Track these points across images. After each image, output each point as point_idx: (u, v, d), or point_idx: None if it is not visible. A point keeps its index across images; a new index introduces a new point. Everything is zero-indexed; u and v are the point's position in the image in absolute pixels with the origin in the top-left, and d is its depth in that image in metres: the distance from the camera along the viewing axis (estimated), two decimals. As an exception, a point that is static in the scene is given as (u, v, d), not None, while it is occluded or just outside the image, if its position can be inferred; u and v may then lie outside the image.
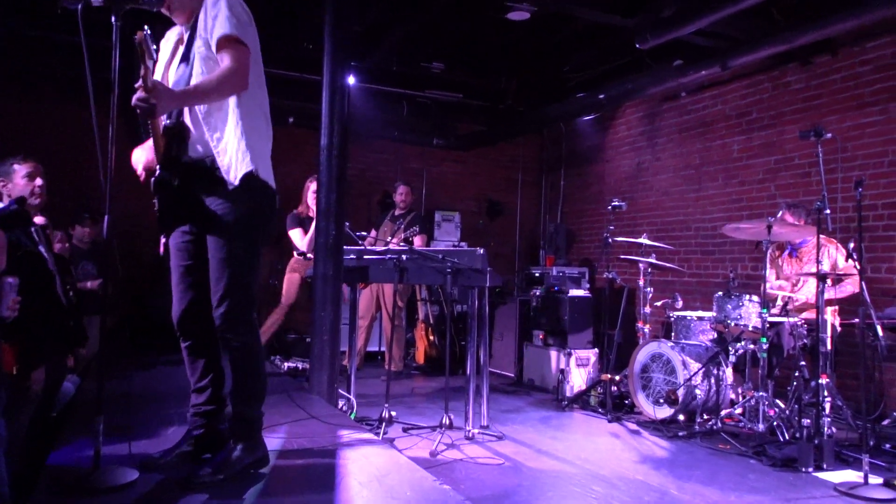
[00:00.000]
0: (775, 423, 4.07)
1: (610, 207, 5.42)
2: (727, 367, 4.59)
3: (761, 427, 4.11)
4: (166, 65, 2.57)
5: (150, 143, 2.50)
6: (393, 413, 4.14)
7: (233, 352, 2.45)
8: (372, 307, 6.37)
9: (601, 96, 6.74)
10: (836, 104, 5.52)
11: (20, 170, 3.33)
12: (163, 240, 2.51)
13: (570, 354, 5.78)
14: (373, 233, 6.30)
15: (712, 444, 4.11)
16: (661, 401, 4.63)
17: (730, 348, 4.55)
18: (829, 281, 4.09)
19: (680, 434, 4.31)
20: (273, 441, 2.91)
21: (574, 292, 6.21)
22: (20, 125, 6.35)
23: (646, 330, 5.19)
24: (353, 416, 4.19)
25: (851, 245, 3.96)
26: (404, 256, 4.16)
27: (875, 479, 3.29)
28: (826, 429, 3.73)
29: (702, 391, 4.51)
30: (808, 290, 4.77)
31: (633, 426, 4.61)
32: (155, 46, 2.33)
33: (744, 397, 4.44)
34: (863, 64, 5.34)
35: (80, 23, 2.17)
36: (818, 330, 3.91)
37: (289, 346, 6.87)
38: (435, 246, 7.47)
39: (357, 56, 6.47)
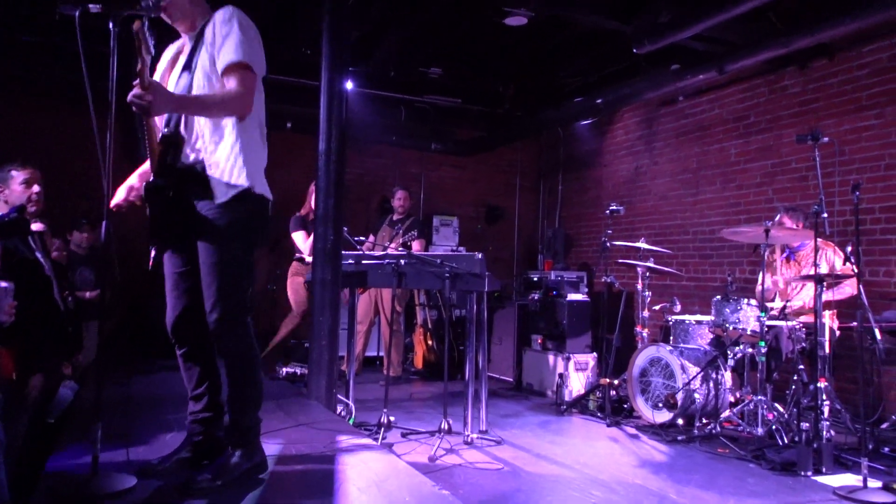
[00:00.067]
0: (774, 427, 4.07)
1: (608, 212, 5.42)
2: (726, 370, 4.59)
3: (760, 431, 4.10)
4: (164, 72, 2.57)
5: (143, 168, 2.52)
6: (391, 418, 4.14)
7: (227, 358, 2.44)
8: (370, 312, 6.37)
9: (598, 101, 6.76)
10: (833, 108, 5.54)
11: (18, 176, 3.33)
12: (153, 252, 2.50)
13: (568, 359, 5.78)
14: (371, 238, 6.30)
15: (711, 448, 4.11)
16: (660, 405, 4.62)
17: (728, 352, 4.55)
18: (825, 284, 4.09)
19: (679, 438, 4.31)
20: (271, 446, 2.90)
21: (572, 296, 6.21)
22: (18, 130, 6.35)
23: (644, 334, 5.18)
24: (351, 422, 4.18)
25: (849, 248, 3.97)
26: (403, 261, 4.16)
27: (874, 483, 3.28)
28: (825, 432, 3.72)
29: (701, 395, 4.50)
30: (806, 294, 4.77)
31: (632, 430, 4.60)
32: (153, 41, 2.32)
33: (742, 401, 4.44)
34: (860, 68, 5.36)
35: (78, 29, 2.17)
36: (816, 333, 3.91)
37: (287, 351, 6.85)
38: (433, 250, 7.47)
39: (355, 61, 6.47)
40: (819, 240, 3.86)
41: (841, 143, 5.26)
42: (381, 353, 6.98)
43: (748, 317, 4.41)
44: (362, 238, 4.95)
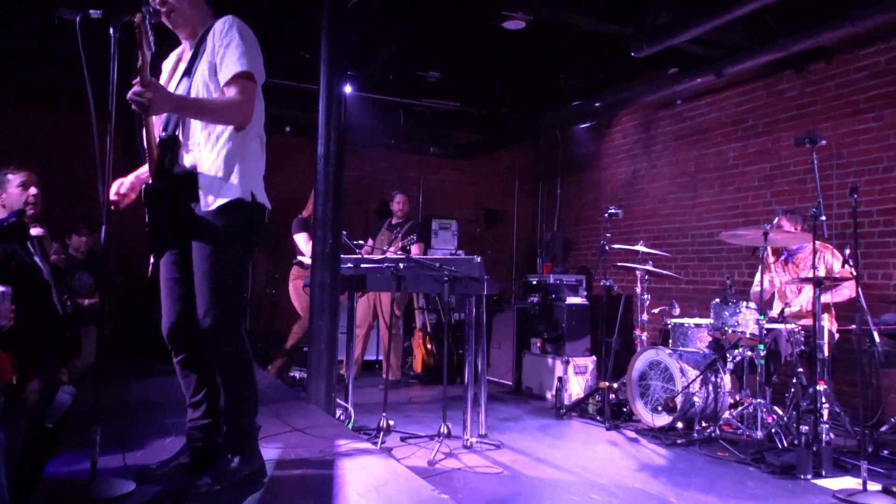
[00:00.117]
0: (774, 430, 4.07)
1: (606, 215, 5.42)
2: (725, 374, 4.58)
3: (760, 434, 4.10)
4: (166, 80, 2.57)
5: (141, 170, 2.52)
6: (391, 422, 4.13)
7: (220, 364, 2.44)
8: (369, 316, 6.36)
9: (597, 104, 6.77)
10: (831, 111, 5.55)
11: (14, 179, 3.32)
12: (152, 260, 2.49)
13: (567, 362, 5.78)
14: (370, 241, 6.30)
15: (711, 451, 4.11)
16: (660, 408, 4.62)
17: (727, 355, 4.55)
18: (822, 286, 4.09)
19: (678, 442, 4.30)
20: (270, 451, 2.90)
21: (571, 300, 6.21)
22: (17, 131, 6.35)
23: (643, 337, 5.18)
24: (350, 426, 4.17)
25: (847, 251, 3.98)
26: (401, 265, 4.16)
27: (874, 486, 3.28)
28: (824, 435, 3.73)
29: (700, 398, 4.50)
30: (804, 297, 4.77)
31: (632, 434, 4.60)
32: (154, 37, 2.32)
33: (742, 404, 4.44)
34: (857, 71, 5.38)
35: (79, 34, 2.17)
36: (815, 336, 3.91)
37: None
38: (432, 254, 7.47)
39: (353, 65, 6.48)
40: (817, 242, 3.86)
41: (839, 146, 5.26)
42: (380, 357, 6.98)
43: (747, 320, 4.41)
44: (361, 242, 4.94)
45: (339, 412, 4.30)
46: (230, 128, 2.41)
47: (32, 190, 3.37)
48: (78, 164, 6.19)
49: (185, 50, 2.59)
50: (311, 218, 5.79)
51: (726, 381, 4.60)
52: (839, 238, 5.05)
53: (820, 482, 3.52)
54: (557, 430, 4.79)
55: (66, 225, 5.54)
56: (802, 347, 4.41)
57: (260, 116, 2.54)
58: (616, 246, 5.54)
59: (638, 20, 5.25)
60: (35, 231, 3.42)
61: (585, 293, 7.14)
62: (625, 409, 4.99)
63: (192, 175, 2.40)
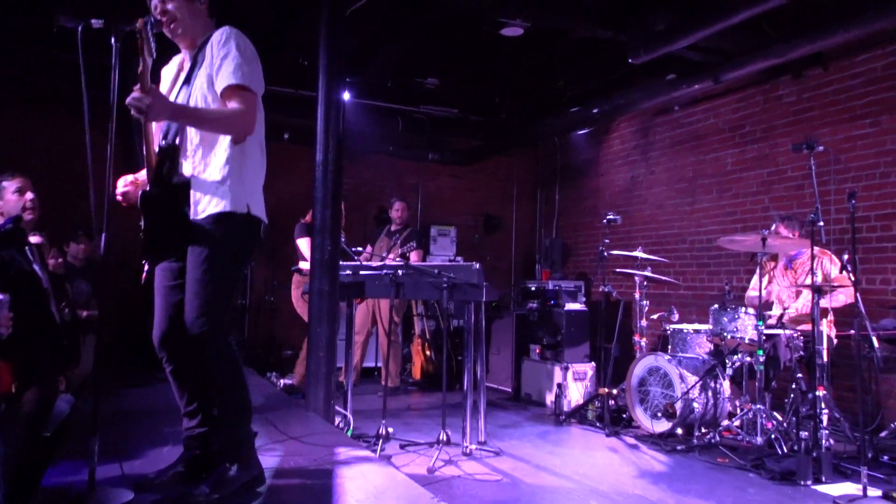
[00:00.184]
0: (773, 436, 4.06)
1: (605, 221, 5.43)
2: (724, 379, 4.58)
3: (759, 440, 4.10)
4: (168, 89, 2.58)
5: (143, 173, 2.52)
6: (390, 429, 4.12)
7: (208, 373, 2.43)
8: (368, 323, 6.35)
9: (594, 110, 6.79)
10: (828, 117, 5.57)
11: (10, 186, 3.33)
12: (146, 267, 2.50)
13: (567, 368, 5.77)
14: (368, 248, 6.30)
15: (711, 457, 4.10)
16: (659, 414, 4.61)
17: (727, 361, 4.55)
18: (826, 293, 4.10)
19: (678, 448, 4.29)
20: (269, 459, 2.89)
21: (570, 306, 6.20)
22: (16, 141, 6.35)
23: (642, 343, 5.18)
24: (349, 433, 4.16)
25: (846, 257, 3.98)
26: (400, 272, 4.16)
27: (874, 492, 3.28)
28: (824, 441, 3.72)
29: (699, 404, 4.50)
30: (800, 302, 4.78)
31: (631, 440, 4.59)
32: (155, 44, 2.32)
33: (741, 410, 4.43)
34: (853, 77, 5.40)
35: (80, 44, 2.17)
36: (814, 342, 3.91)
37: (284, 362, 6.84)
38: (431, 261, 7.47)
39: (352, 72, 6.49)
40: (816, 248, 3.86)
41: (836, 151, 5.28)
42: (379, 364, 6.97)
43: (746, 325, 4.41)
44: (360, 248, 4.95)
45: (338, 419, 4.30)
46: (228, 138, 2.41)
47: (29, 195, 3.37)
48: (78, 166, 6.17)
49: (185, 59, 2.59)
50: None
51: (725, 386, 4.60)
52: (837, 243, 5.06)
53: (820, 488, 3.51)
54: (557, 436, 4.78)
55: (66, 230, 5.53)
56: (801, 353, 4.41)
57: (260, 128, 2.55)
58: (615, 252, 5.54)
59: (635, 27, 5.27)
60: (34, 239, 3.42)
61: (584, 299, 7.14)
62: (624, 416, 4.98)
63: (188, 184, 2.40)
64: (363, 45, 6.10)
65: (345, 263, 4.44)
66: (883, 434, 4.26)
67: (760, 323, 4.21)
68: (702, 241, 6.64)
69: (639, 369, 4.89)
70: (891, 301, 5.00)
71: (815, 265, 3.99)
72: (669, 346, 5.10)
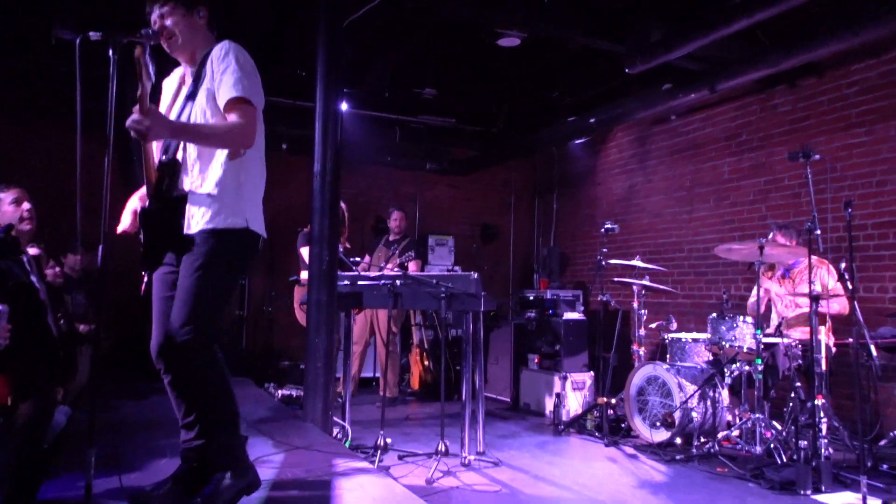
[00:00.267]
0: (772, 445, 4.05)
1: (603, 230, 5.44)
2: (723, 388, 4.57)
3: (759, 449, 4.09)
4: (168, 104, 2.59)
5: (142, 192, 2.53)
6: (388, 440, 4.11)
7: (191, 381, 2.41)
8: (366, 333, 6.34)
9: (591, 120, 6.82)
10: (824, 125, 5.60)
11: (6, 197, 3.33)
12: (145, 278, 2.50)
13: (565, 378, 5.76)
14: (367, 258, 6.30)
15: (710, 467, 4.09)
16: (658, 424, 4.60)
17: (725, 370, 4.54)
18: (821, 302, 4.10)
19: (677, 458, 4.28)
20: (267, 471, 2.88)
21: (568, 315, 6.20)
22: (14, 152, 6.35)
23: (641, 352, 5.18)
24: (347, 444, 4.14)
25: (843, 265, 3.98)
26: (398, 282, 4.15)
27: (874, 501, 3.27)
28: (823, 450, 3.71)
29: (698, 413, 4.49)
30: (797, 309, 4.79)
31: (630, 450, 4.57)
32: (154, 67, 2.34)
33: (740, 419, 4.43)
34: (848, 86, 5.42)
35: (77, 56, 2.18)
36: (813, 350, 3.91)
37: (282, 373, 6.81)
38: (429, 270, 7.46)
39: (349, 83, 6.52)
40: (813, 258, 3.87)
41: (832, 160, 5.30)
42: (377, 374, 6.95)
43: (744, 334, 4.41)
44: (358, 259, 4.94)
45: (336, 430, 4.28)
46: (225, 153, 2.42)
47: (25, 205, 3.37)
48: (75, 188, 6.18)
49: (186, 74, 2.61)
50: None
51: (724, 396, 4.59)
52: (834, 252, 5.07)
53: (820, 497, 3.50)
54: (556, 446, 4.77)
55: (63, 241, 5.53)
56: (800, 361, 4.41)
57: (261, 141, 2.55)
58: (613, 261, 5.55)
59: (632, 37, 5.29)
60: (32, 251, 3.41)
61: (582, 308, 7.13)
62: (623, 425, 4.97)
63: (187, 199, 2.41)
64: (361, 55, 6.13)
65: (343, 273, 4.44)
66: (882, 443, 4.25)
67: (759, 332, 4.21)
68: (699, 250, 6.65)
69: (637, 378, 4.88)
70: (888, 309, 5.00)
71: (812, 275, 3.99)
72: (668, 355, 5.09)
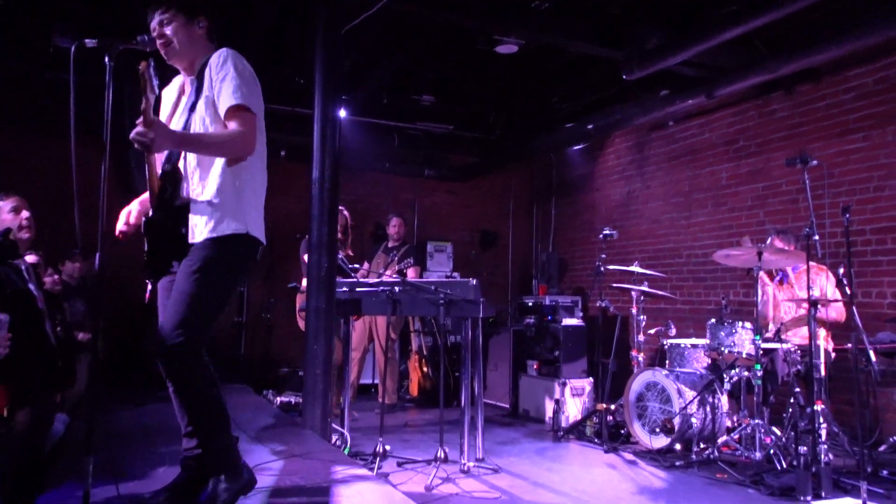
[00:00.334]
0: (772, 451, 4.05)
1: (601, 236, 5.44)
2: (722, 394, 4.57)
3: (758, 455, 4.08)
4: (169, 113, 2.60)
5: (143, 197, 2.53)
6: (387, 447, 4.10)
7: (178, 386, 2.40)
8: (365, 339, 6.33)
9: (589, 126, 6.83)
10: (821, 131, 5.61)
11: (5, 205, 3.34)
12: (149, 286, 2.51)
13: (564, 384, 5.75)
14: (365, 265, 6.30)
15: (710, 473, 4.08)
16: (658, 430, 4.59)
17: (724, 375, 4.54)
18: (820, 307, 4.10)
19: (677, 464, 4.27)
20: (266, 478, 2.87)
21: (567, 321, 6.20)
22: (12, 161, 6.35)
23: (640, 358, 5.17)
24: (346, 451, 4.13)
25: (841, 270, 3.98)
26: (397, 288, 4.15)
27: (874, 507, 3.26)
28: (823, 456, 3.70)
29: (698, 419, 4.48)
30: (797, 312, 4.79)
31: (630, 456, 4.57)
32: (157, 81, 2.36)
33: (740, 425, 4.42)
34: (845, 92, 5.44)
35: (72, 63, 2.19)
36: (812, 356, 3.91)
37: (281, 380, 6.80)
38: (427, 277, 7.46)
39: (348, 89, 6.54)
40: (812, 264, 3.87)
41: (830, 165, 5.31)
42: (376, 381, 6.94)
43: (743, 340, 4.41)
44: (357, 265, 4.94)
45: (335, 437, 4.27)
46: (223, 161, 2.43)
47: (24, 213, 3.37)
48: (72, 195, 6.18)
49: (185, 83, 2.62)
50: None
51: (724, 401, 4.59)
52: (832, 257, 5.08)
53: (820, 503, 3.50)
54: (555, 453, 4.76)
55: (62, 249, 5.52)
56: (799, 367, 4.41)
57: (262, 148, 2.56)
58: (611, 267, 5.55)
59: (629, 43, 5.31)
60: (30, 258, 3.41)
61: (581, 314, 7.13)
62: (622, 431, 4.96)
63: (189, 207, 2.42)
64: (359, 62, 6.15)
65: (342, 280, 4.44)
66: (882, 448, 4.25)
67: (758, 337, 4.21)
68: (698, 256, 6.66)
69: (636, 384, 4.87)
70: (886, 314, 5.01)
71: (810, 281, 3.99)
72: (667, 361, 5.09)
